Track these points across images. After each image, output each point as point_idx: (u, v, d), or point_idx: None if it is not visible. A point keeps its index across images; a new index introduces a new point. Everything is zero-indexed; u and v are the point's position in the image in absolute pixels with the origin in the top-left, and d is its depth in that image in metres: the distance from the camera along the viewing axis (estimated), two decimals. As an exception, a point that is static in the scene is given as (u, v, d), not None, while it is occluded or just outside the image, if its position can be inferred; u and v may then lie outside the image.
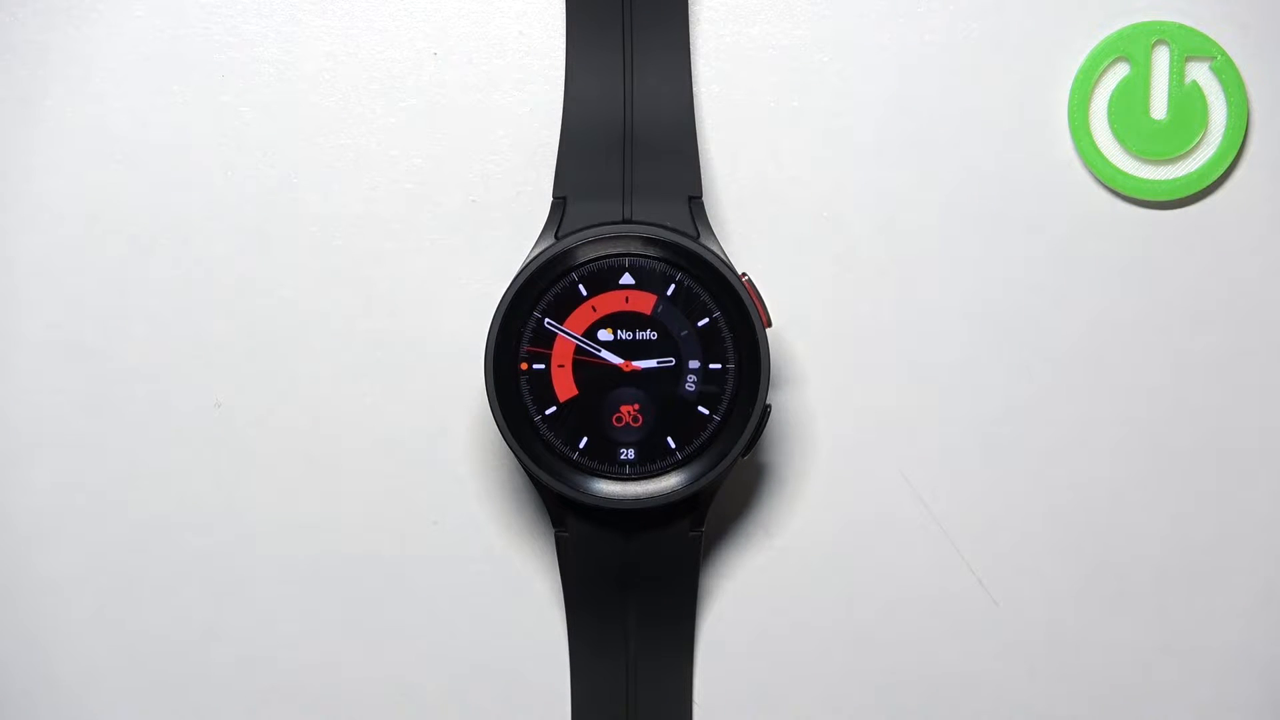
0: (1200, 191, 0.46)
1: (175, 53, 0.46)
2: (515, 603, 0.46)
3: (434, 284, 0.45)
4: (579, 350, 0.42)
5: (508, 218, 0.46)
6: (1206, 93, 0.45)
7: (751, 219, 0.46)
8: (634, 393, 0.42)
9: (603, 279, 0.42)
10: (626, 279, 0.42)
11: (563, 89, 0.43)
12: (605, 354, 0.42)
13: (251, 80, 0.46)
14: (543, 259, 0.41)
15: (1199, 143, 0.45)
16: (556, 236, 0.42)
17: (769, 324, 0.41)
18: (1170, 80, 0.45)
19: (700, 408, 0.42)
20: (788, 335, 0.45)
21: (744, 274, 0.41)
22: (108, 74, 0.46)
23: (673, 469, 0.42)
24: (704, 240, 0.42)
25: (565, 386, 0.42)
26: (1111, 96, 0.45)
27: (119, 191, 0.46)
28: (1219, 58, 0.45)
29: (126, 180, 0.46)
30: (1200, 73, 0.45)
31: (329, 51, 0.46)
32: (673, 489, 0.41)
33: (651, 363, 0.42)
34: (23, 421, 0.46)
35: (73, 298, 0.46)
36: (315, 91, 0.46)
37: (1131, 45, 0.45)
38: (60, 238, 0.46)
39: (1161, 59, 0.45)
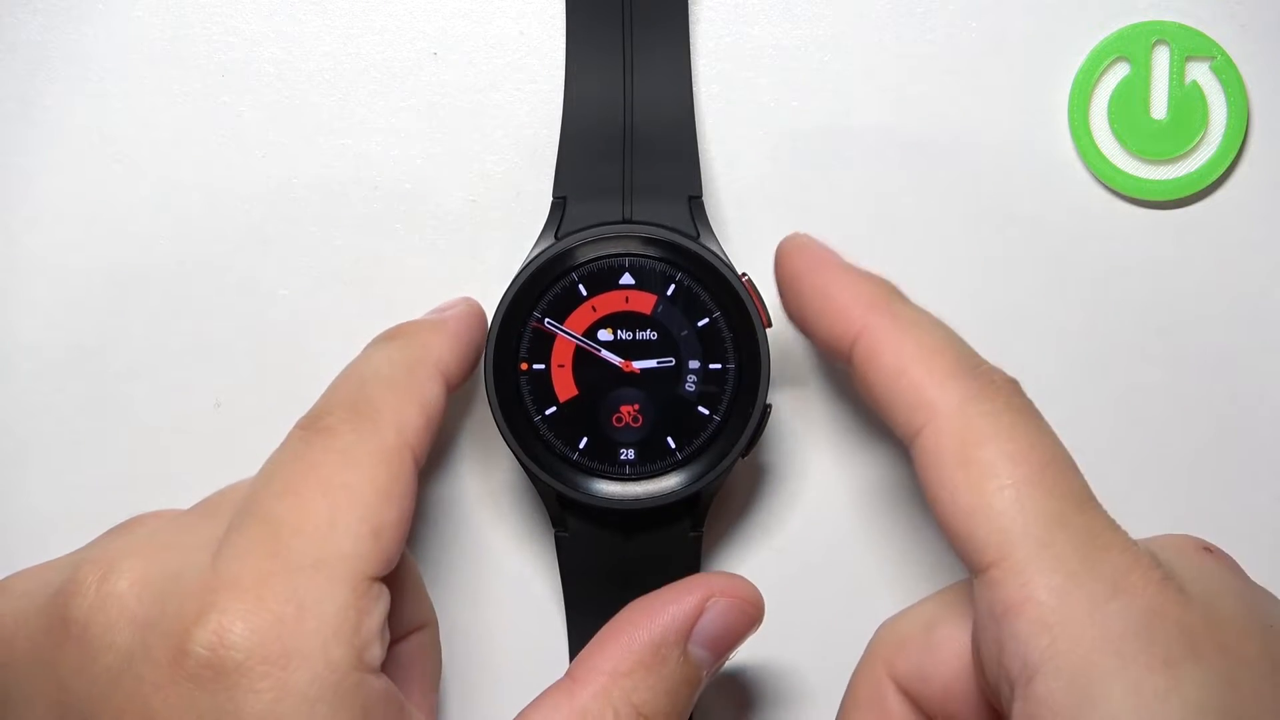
0: (1200, 191, 0.46)
1: (175, 53, 0.46)
2: (515, 603, 0.46)
3: (434, 284, 0.45)
4: (579, 350, 0.42)
5: (508, 218, 0.46)
6: (1206, 93, 0.45)
7: (751, 219, 0.46)
8: (634, 393, 0.42)
9: (603, 279, 0.42)
10: (626, 279, 0.42)
11: (563, 89, 0.43)
12: (605, 354, 0.42)
13: (251, 80, 0.46)
14: (543, 259, 0.41)
15: (1199, 143, 0.45)
16: (556, 236, 0.42)
17: (769, 324, 0.41)
18: (1170, 80, 0.45)
19: (700, 408, 0.42)
20: (788, 335, 0.45)
21: (744, 274, 0.41)
22: (108, 74, 0.46)
23: (673, 469, 0.42)
24: (704, 240, 0.42)
25: (565, 386, 0.42)
26: (1111, 96, 0.45)
27: (119, 191, 0.46)
28: (1219, 58, 0.45)
29: (126, 180, 0.46)
30: (1200, 73, 0.45)
31: (329, 51, 0.46)
32: (673, 489, 0.41)
33: (651, 363, 0.42)
34: (23, 421, 0.46)
35: (73, 298, 0.46)
36: (315, 91, 0.46)
37: (1131, 45, 0.45)
38: (60, 238, 0.46)
39: (1161, 59, 0.45)
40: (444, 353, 0.40)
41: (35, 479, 0.46)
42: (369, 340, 0.41)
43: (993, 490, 0.34)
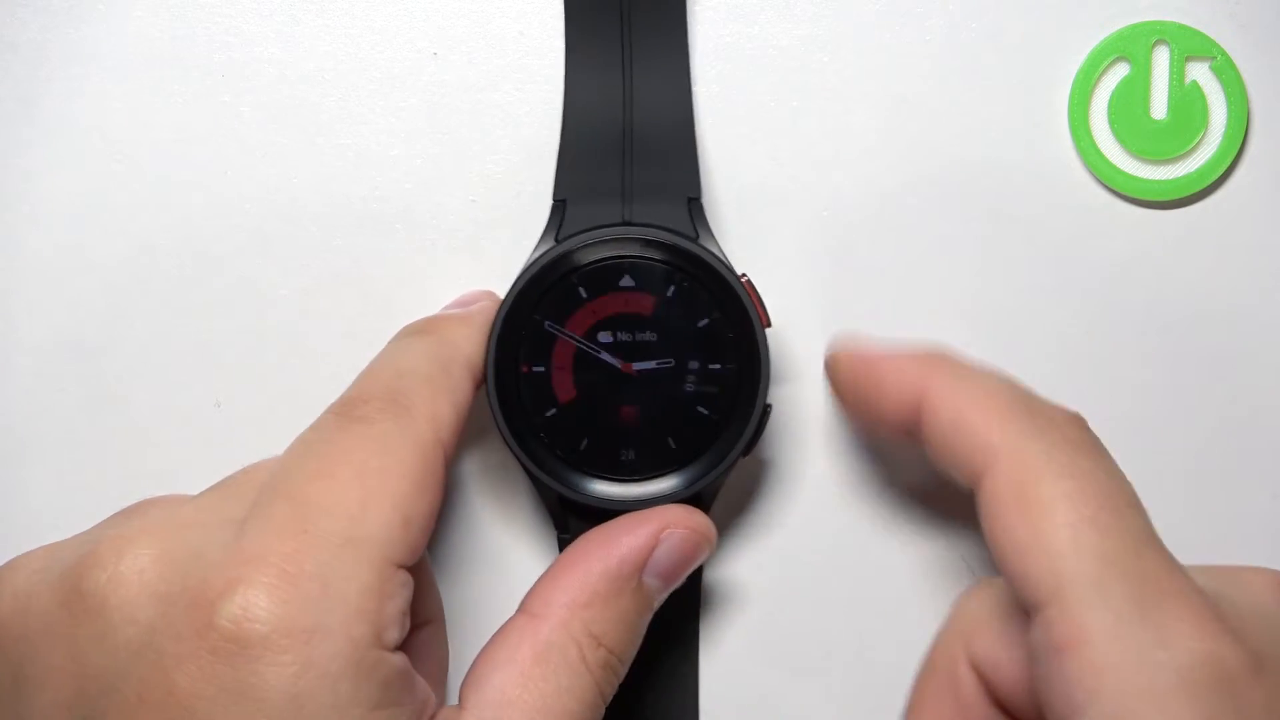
0: (1200, 191, 0.46)
1: (175, 53, 0.46)
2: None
3: (434, 284, 0.45)
4: (579, 352, 0.42)
5: (508, 219, 0.46)
6: (1206, 93, 0.45)
7: (751, 219, 0.46)
8: (634, 394, 0.42)
9: (603, 281, 0.41)
10: (626, 281, 0.42)
11: (562, 90, 0.43)
12: (605, 356, 0.42)
13: (251, 80, 0.46)
14: (543, 261, 0.41)
15: (1199, 143, 0.45)
16: (556, 239, 0.42)
17: (769, 324, 0.41)
18: (1170, 80, 0.45)
19: (700, 408, 0.42)
20: (788, 335, 0.45)
21: (743, 274, 0.41)
22: (108, 74, 0.46)
23: (673, 470, 0.42)
24: (703, 241, 0.42)
25: (565, 388, 0.42)
26: (1111, 96, 0.45)
27: (119, 191, 0.46)
28: (1219, 58, 0.45)
29: (126, 180, 0.46)
30: (1200, 73, 0.45)
31: (329, 51, 0.46)
32: (673, 489, 0.41)
33: (651, 364, 0.42)
34: (23, 421, 0.46)
35: (73, 298, 0.46)
36: (315, 91, 0.46)
37: (1131, 45, 0.45)
38: (60, 238, 0.46)
39: (1161, 59, 0.45)
40: (473, 350, 0.40)
41: (35, 479, 0.46)
42: (368, 338, 0.41)
43: (1049, 529, 0.33)
